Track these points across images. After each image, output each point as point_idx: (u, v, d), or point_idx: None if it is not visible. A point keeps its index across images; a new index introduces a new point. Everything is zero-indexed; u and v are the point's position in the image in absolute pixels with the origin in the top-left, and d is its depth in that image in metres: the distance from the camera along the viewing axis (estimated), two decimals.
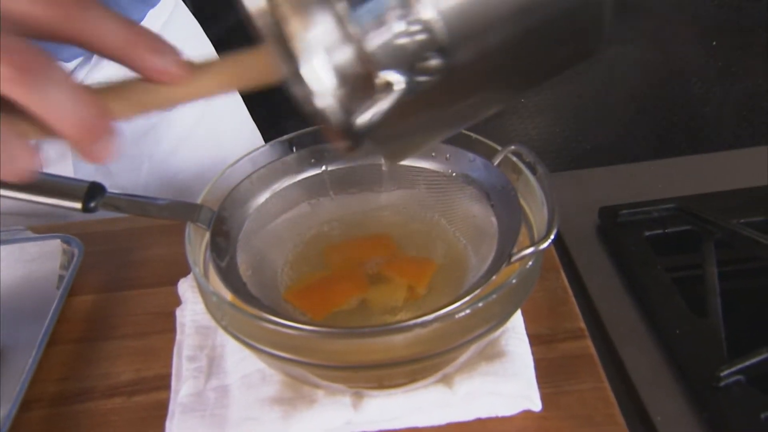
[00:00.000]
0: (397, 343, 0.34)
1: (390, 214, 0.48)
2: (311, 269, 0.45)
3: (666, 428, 0.42)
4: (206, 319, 0.46)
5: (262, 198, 0.44)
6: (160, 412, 0.42)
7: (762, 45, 1.79)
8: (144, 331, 0.49)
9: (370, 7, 0.22)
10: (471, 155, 0.43)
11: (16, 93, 0.24)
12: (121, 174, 0.66)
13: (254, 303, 0.36)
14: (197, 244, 0.40)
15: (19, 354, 0.46)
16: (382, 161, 0.46)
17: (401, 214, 0.47)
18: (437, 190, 0.45)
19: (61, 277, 0.51)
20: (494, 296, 0.34)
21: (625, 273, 0.54)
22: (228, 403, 0.41)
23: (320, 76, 0.23)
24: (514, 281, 0.35)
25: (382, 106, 0.23)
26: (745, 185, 0.60)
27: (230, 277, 0.38)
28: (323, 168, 0.46)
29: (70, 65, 0.58)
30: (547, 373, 0.42)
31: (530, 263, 0.36)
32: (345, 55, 0.23)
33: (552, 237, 0.35)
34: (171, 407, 0.42)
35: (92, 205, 0.34)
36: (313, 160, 0.46)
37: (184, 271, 0.49)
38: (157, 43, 0.27)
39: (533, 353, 0.42)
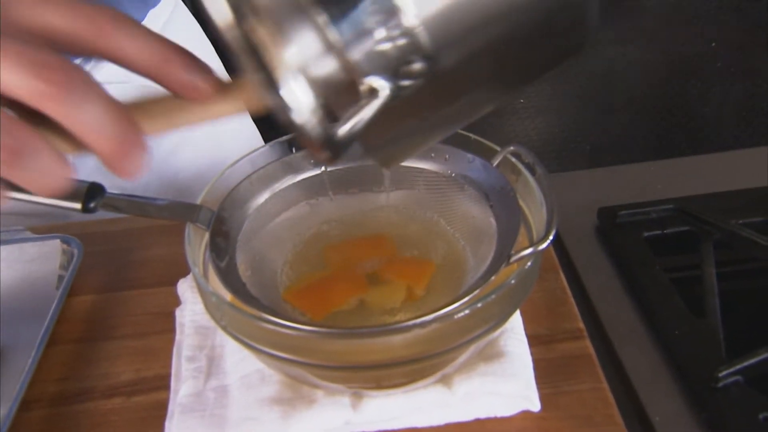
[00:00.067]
0: (397, 344, 0.34)
1: (389, 215, 0.48)
2: (310, 269, 0.45)
3: (665, 428, 0.42)
4: (206, 319, 0.46)
5: (262, 198, 0.44)
6: (159, 412, 0.42)
7: (762, 45, 1.79)
8: (143, 332, 0.49)
9: (351, 16, 0.21)
10: (470, 156, 0.43)
11: (52, 109, 0.24)
12: None
13: (253, 303, 0.36)
14: (197, 244, 0.40)
15: (18, 354, 0.46)
16: None
17: (400, 215, 0.47)
18: (436, 191, 0.45)
19: (60, 278, 0.51)
20: (493, 297, 0.34)
21: (624, 273, 0.54)
22: (227, 403, 0.41)
23: (300, 97, 0.22)
24: (513, 282, 0.35)
25: (366, 113, 0.23)
26: (744, 186, 0.60)
27: (230, 277, 0.38)
28: (322, 168, 0.46)
29: None
30: (546, 373, 0.42)
31: (529, 264, 0.36)
32: (327, 65, 0.23)
33: (551, 237, 0.35)
34: (170, 407, 0.42)
35: (92, 205, 0.34)
36: (312, 161, 0.46)
37: (184, 271, 0.49)
38: (190, 60, 0.27)
39: (532, 353, 0.42)
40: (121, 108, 0.26)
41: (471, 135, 0.44)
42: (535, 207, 0.40)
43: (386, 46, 0.22)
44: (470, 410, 0.40)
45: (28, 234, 0.54)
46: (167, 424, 0.41)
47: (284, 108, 0.22)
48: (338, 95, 0.23)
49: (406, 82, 0.23)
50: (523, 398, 0.40)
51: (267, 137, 0.74)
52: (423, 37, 0.22)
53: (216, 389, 0.42)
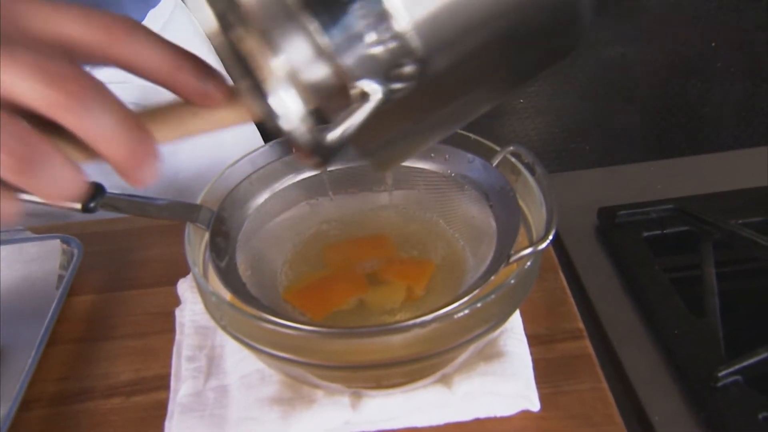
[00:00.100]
0: (396, 343, 0.34)
1: (389, 215, 0.48)
2: (310, 269, 0.45)
3: (664, 428, 0.43)
4: (205, 319, 0.46)
5: (262, 198, 0.44)
6: (159, 412, 0.42)
7: (762, 46, 1.79)
8: (143, 331, 0.49)
9: (341, 20, 0.21)
10: (470, 156, 0.43)
11: (67, 119, 0.24)
12: None
13: (253, 303, 0.36)
14: (197, 244, 0.40)
15: (18, 354, 0.46)
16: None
17: (400, 215, 0.47)
18: (436, 191, 0.46)
19: (60, 277, 0.52)
20: (493, 296, 0.34)
21: (624, 273, 0.54)
22: (227, 403, 0.41)
23: (288, 104, 0.22)
24: (512, 281, 0.35)
25: (357, 117, 0.23)
26: (744, 186, 0.60)
27: (229, 277, 0.38)
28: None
29: None
30: (545, 373, 0.42)
31: (529, 264, 0.36)
32: (317, 70, 0.22)
33: (550, 237, 0.35)
34: (170, 407, 0.42)
35: (92, 205, 0.34)
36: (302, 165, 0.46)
37: (184, 271, 0.49)
38: (202, 67, 0.27)
39: (532, 353, 0.43)
40: (134, 117, 0.26)
41: (471, 135, 0.44)
42: (534, 207, 0.40)
43: (377, 50, 0.22)
44: (470, 410, 0.40)
45: (28, 234, 0.54)
46: (167, 423, 0.41)
47: (272, 115, 0.22)
48: (330, 99, 0.23)
49: (397, 86, 0.23)
50: (522, 398, 0.40)
51: (267, 137, 0.74)
52: (414, 40, 0.22)
53: (216, 389, 0.42)
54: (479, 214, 0.43)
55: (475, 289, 0.35)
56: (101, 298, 0.52)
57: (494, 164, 0.42)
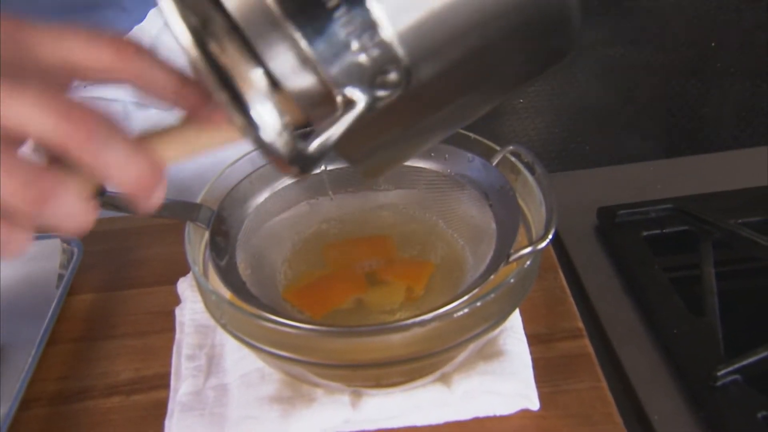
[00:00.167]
0: (396, 342, 0.34)
1: (388, 214, 0.48)
2: (310, 268, 0.45)
3: (663, 427, 0.43)
4: (205, 318, 0.46)
5: (262, 197, 0.44)
6: (159, 410, 0.42)
7: (761, 46, 1.79)
8: (143, 330, 0.49)
9: (326, 29, 0.21)
10: (470, 155, 0.44)
11: (77, 154, 0.24)
12: None
13: (253, 302, 0.36)
14: (197, 243, 0.40)
15: (18, 353, 0.46)
16: None
17: (400, 214, 0.48)
18: (436, 190, 0.46)
19: (60, 276, 0.52)
20: (492, 295, 0.34)
21: (623, 273, 0.54)
22: (227, 401, 0.41)
23: (266, 116, 0.22)
24: (512, 281, 0.35)
25: (341, 125, 0.23)
26: (744, 186, 0.60)
27: (229, 276, 0.38)
28: (322, 167, 0.46)
29: None
30: (545, 372, 0.42)
31: (528, 263, 0.36)
32: (302, 79, 0.22)
33: (550, 237, 0.35)
34: (170, 406, 0.42)
35: None
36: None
37: (183, 270, 0.49)
38: (203, 89, 0.27)
39: (531, 352, 0.43)
40: (142, 146, 0.26)
41: (471, 134, 0.44)
42: (534, 206, 0.40)
43: (361, 58, 0.22)
44: (469, 409, 0.40)
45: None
46: (167, 422, 0.41)
47: (251, 127, 0.22)
48: (314, 107, 0.23)
49: (383, 94, 0.22)
50: (522, 397, 0.40)
51: None
52: (398, 49, 0.21)
53: (216, 388, 0.42)
54: (479, 214, 0.43)
55: (474, 288, 0.35)
56: (101, 297, 0.52)
57: (494, 164, 0.43)
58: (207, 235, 0.40)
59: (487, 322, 0.36)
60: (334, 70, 0.22)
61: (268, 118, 0.22)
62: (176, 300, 0.48)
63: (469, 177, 0.44)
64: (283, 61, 0.22)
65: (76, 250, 0.53)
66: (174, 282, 0.49)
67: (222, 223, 0.41)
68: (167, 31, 0.59)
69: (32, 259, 0.52)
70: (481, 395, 0.40)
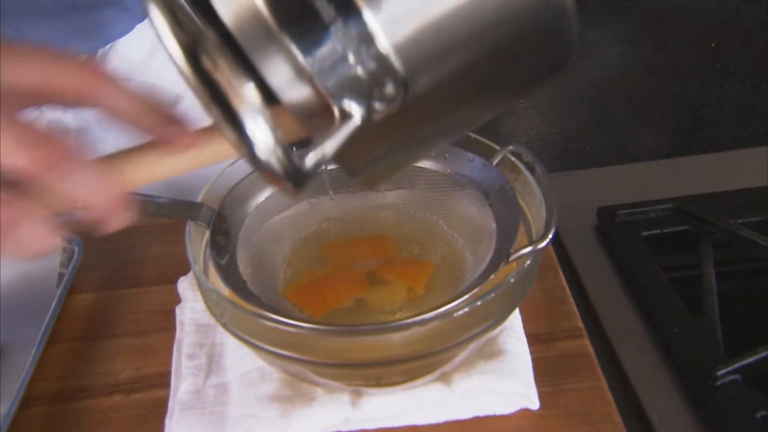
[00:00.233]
0: (396, 341, 0.34)
1: (389, 214, 0.48)
2: (310, 267, 0.45)
3: (663, 427, 0.43)
4: (206, 317, 0.46)
5: (262, 196, 0.44)
6: (159, 409, 0.42)
7: (761, 46, 1.79)
8: (143, 329, 0.49)
9: (322, 42, 0.21)
10: (470, 155, 0.44)
11: (45, 184, 0.25)
12: None
13: (254, 301, 0.36)
14: (197, 242, 0.40)
15: (18, 352, 0.46)
16: None
17: (400, 214, 0.48)
18: (436, 190, 0.46)
19: (60, 276, 0.52)
20: (492, 295, 0.34)
21: (623, 273, 0.54)
22: (227, 400, 0.41)
23: (262, 134, 0.22)
24: (512, 280, 0.35)
25: (337, 139, 0.22)
26: (743, 186, 0.60)
27: (230, 275, 0.38)
28: (323, 167, 0.46)
29: None
30: (545, 371, 0.42)
31: (528, 262, 0.36)
32: (299, 93, 0.22)
33: (550, 236, 0.35)
34: (170, 405, 0.42)
35: None
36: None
37: (184, 269, 0.49)
38: (168, 114, 0.28)
39: (531, 352, 0.43)
40: (106, 172, 0.26)
41: (471, 134, 0.44)
42: (534, 206, 0.40)
43: (358, 71, 0.21)
44: (469, 408, 0.40)
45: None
46: (167, 421, 0.41)
47: (245, 143, 0.22)
48: (311, 120, 0.23)
49: (380, 106, 0.22)
50: (522, 396, 0.40)
51: None
52: (395, 61, 0.21)
53: (216, 387, 0.42)
54: (479, 213, 0.43)
55: (474, 288, 0.35)
56: (101, 296, 0.52)
57: (494, 163, 0.43)
58: (207, 234, 0.40)
59: (487, 321, 0.36)
60: (331, 82, 0.22)
61: (262, 134, 0.22)
62: (176, 299, 0.48)
63: (470, 177, 0.44)
64: (280, 73, 0.22)
65: (76, 249, 0.53)
66: (174, 281, 0.49)
67: (222, 222, 0.41)
68: (156, 53, 0.59)
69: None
70: (481, 394, 0.40)
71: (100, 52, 0.59)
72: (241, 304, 0.35)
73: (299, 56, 0.21)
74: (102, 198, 0.26)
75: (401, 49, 0.21)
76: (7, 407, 0.41)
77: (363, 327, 0.35)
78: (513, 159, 0.42)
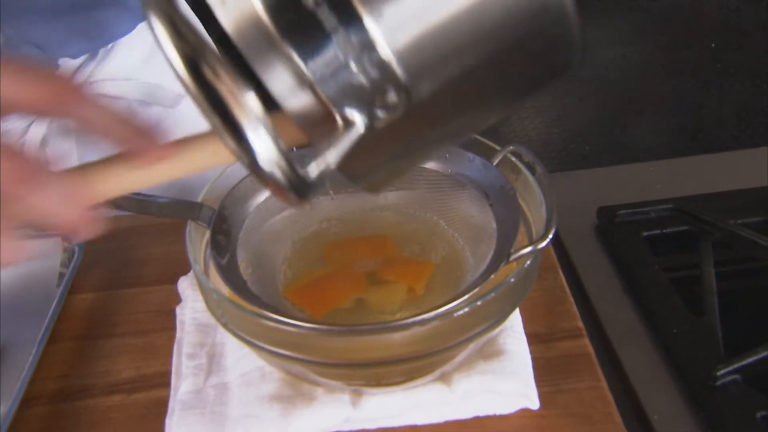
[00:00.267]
0: (396, 341, 0.34)
1: (389, 214, 0.48)
2: (311, 267, 0.45)
3: (663, 427, 0.43)
4: (206, 316, 0.46)
5: (263, 196, 0.44)
6: (159, 409, 0.42)
7: (761, 46, 1.79)
8: (144, 329, 0.49)
9: (324, 50, 0.21)
10: (470, 155, 0.44)
11: (11, 200, 0.25)
12: None
13: (254, 301, 0.36)
14: (198, 242, 0.40)
15: (19, 351, 0.46)
16: None
17: (400, 214, 0.48)
18: (436, 190, 0.46)
19: (61, 275, 0.52)
20: (492, 295, 0.34)
21: (623, 273, 0.54)
22: (227, 400, 0.41)
23: (264, 145, 0.22)
24: (512, 280, 0.35)
25: (340, 148, 0.22)
26: (743, 186, 0.60)
27: (230, 274, 0.38)
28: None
29: (77, 61, 0.58)
30: (545, 371, 0.42)
31: (528, 262, 0.36)
32: (301, 101, 0.22)
33: (550, 236, 0.35)
34: (171, 404, 0.42)
35: None
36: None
37: (184, 269, 0.50)
38: (140, 126, 0.28)
39: (531, 352, 0.43)
40: (74, 186, 0.26)
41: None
42: (534, 206, 0.40)
43: (360, 79, 0.21)
44: (469, 408, 0.40)
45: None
46: (167, 421, 0.41)
47: (248, 154, 0.22)
48: (313, 127, 0.23)
49: (382, 113, 0.22)
50: (522, 396, 0.40)
51: None
52: (397, 68, 0.21)
53: (216, 386, 0.42)
54: (479, 213, 0.43)
55: (475, 288, 0.35)
56: (102, 296, 0.52)
57: (494, 163, 0.43)
58: (208, 234, 0.40)
59: (487, 321, 0.36)
60: (332, 90, 0.22)
61: (264, 145, 0.22)
62: (177, 299, 0.49)
63: (470, 177, 0.44)
64: (281, 81, 0.22)
65: (76, 249, 0.53)
66: (174, 281, 0.50)
67: (223, 222, 0.41)
68: (157, 52, 0.60)
69: (33, 257, 0.52)
70: (481, 394, 0.40)
71: (102, 51, 0.59)
72: (242, 304, 0.35)
73: (301, 64, 0.21)
74: (70, 210, 0.26)
75: (402, 56, 0.21)
76: (8, 406, 0.41)
77: (363, 327, 0.35)
78: (513, 159, 0.43)
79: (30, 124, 0.58)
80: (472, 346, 0.37)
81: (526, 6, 0.21)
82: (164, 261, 0.54)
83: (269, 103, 0.23)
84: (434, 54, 0.22)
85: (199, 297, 0.46)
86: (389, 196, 0.48)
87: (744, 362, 0.44)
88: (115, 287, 0.53)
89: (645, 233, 0.57)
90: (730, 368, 0.43)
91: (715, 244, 0.54)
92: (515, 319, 0.45)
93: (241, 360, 0.43)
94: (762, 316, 0.51)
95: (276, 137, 0.22)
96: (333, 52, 0.21)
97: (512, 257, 0.36)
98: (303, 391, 0.41)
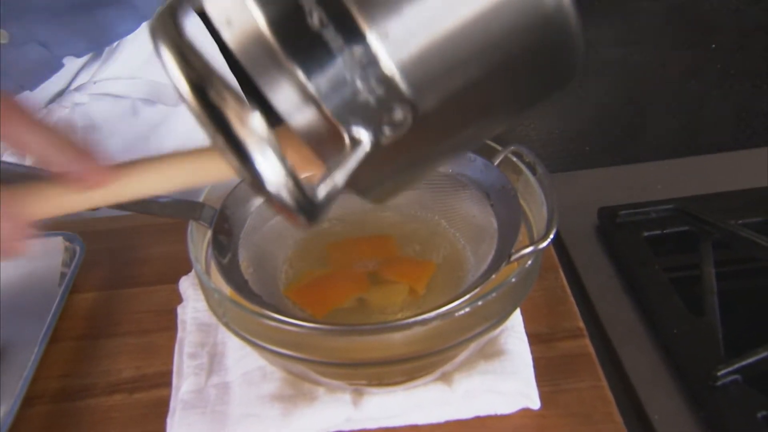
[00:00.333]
0: (398, 341, 0.34)
1: (390, 214, 0.48)
2: (312, 267, 0.45)
3: (663, 427, 0.43)
4: (207, 316, 0.46)
5: None
6: (161, 408, 0.42)
7: (761, 47, 1.79)
8: (145, 329, 0.49)
9: (330, 68, 0.21)
10: (471, 155, 0.44)
11: None
12: None
13: (255, 300, 0.36)
14: (199, 241, 0.40)
15: (21, 351, 0.46)
16: None
17: (401, 214, 0.48)
18: (437, 190, 0.46)
19: (63, 275, 0.52)
20: (494, 295, 0.34)
21: (624, 273, 0.54)
22: (229, 399, 0.41)
23: (271, 166, 0.21)
24: (513, 280, 0.35)
25: (347, 167, 0.22)
26: (744, 186, 0.60)
27: (232, 274, 0.38)
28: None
29: (81, 60, 0.58)
30: (545, 371, 0.43)
31: (529, 262, 0.36)
32: (308, 120, 0.22)
33: (551, 237, 0.35)
34: (172, 404, 0.42)
35: None
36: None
37: (186, 268, 0.50)
38: (78, 152, 0.28)
39: (532, 352, 0.43)
40: (6, 206, 0.27)
41: None
42: (535, 206, 0.40)
43: (366, 97, 0.21)
44: (470, 408, 0.41)
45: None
46: (169, 420, 0.41)
47: (254, 176, 0.21)
48: (321, 145, 0.23)
49: (389, 130, 0.22)
50: (523, 396, 0.41)
51: None
52: (401, 84, 0.21)
53: (217, 386, 0.42)
54: (480, 213, 0.43)
55: (476, 288, 0.35)
56: (103, 295, 0.52)
57: (495, 163, 0.43)
58: (209, 233, 0.40)
59: (488, 321, 0.36)
60: (340, 109, 0.22)
61: (272, 167, 0.21)
62: (178, 298, 0.49)
63: (471, 177, 0.44)
64: (288, 101, 0.22)
65: (78, 248, 0.53)
66: (176, 281, 0.50)
67: (224, 222, 0.41)
68: None
69: (35, 257, 0.52)
70: (482, 394, 0.40)
71: (107, 50, 0.59)
72: (243, 304, 0.35)
73: (308, 84, 0.21)
74: (2, 229, 0.26)
75: (409, 75, 0.21)
76: (9, 405, 0.41)
77: (364, 326, 0.35)
78: (514, 159, 0.43)
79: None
80: (473, 346, 0.37)
81: (529, 18, 0.21)
82: (166, 260, 0.54)
83: (275, 117, 0.23)
84: (441, 71, 0.22)
85: (201, 296, 0.46)
86: None
87: (744, 362, 0.44)
88: (117, 287, 0.53)
89: (645, 233, 0.57)
90: (730, 368, 0.43)
91: (716, 245, 0.54)
92: (516, 319, 0.45)
93: (242, 359, 0.43)
94: (762, 316, 0.51)
95: (283, 158, 0.21)
96: (339, 71, 0.21)
97: (513, 257, 0.36)
98: (304, 391, 0.41)
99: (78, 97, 0.59)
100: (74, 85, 0.59)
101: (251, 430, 0.39)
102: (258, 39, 0.21)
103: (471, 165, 0.44)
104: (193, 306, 0.47)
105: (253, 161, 0.21)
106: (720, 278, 0.51)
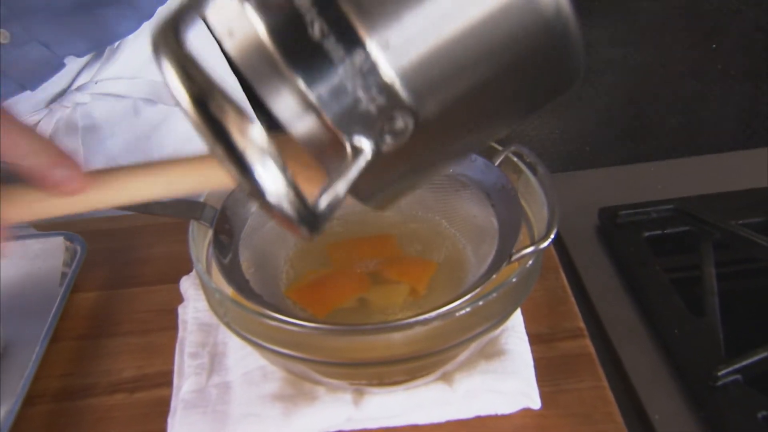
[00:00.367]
0: (398, 341, 0.34)
1: (391, 214, 0.48)
2: (313, 267, 0.45)
3: (664, 427, 0.43)
4: (208, 316, 0.46)
5: None
6: (162, 408, 0.42)
7: (761, 48, 1.79)
8: (146, 328, 0.49)
9: (330, 77, 0.21)
10: (472, 155, 0.44)
11: None
12: None
13: (256, 300, 0.36)
14: (200, 241, 0.40)
15: (22, 350, 0.47)
16: None
17: (402, 214, 0.48)
18: (438, 190, 0.46)
19: (64, 274, 0.52)
20: (494, 295, 0.34)
21: (624, 273, 0.54)
22: (229, 399, 0.41)
23: (272, 178, 0.21)
24: (514, 280, 0.35)
25: (349, 177, 0.22)
26: (744, 187, 0.60)
27: (233, 274, 0.38)
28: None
29: (83, 60, 0.58)
30: (546, 371, 0.43)
31: (530, 262, 0.36)
32: (308, 129, 0.22)
33: (552, 237, 0.35)
34: (173, 403, 0.42)
35: None
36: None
37: (187, 268, 0.50)
38: (57, 157, 0.28)
39: (533, 352, 0.43)
40: None
41: None
42: (536, 206, 0.40)
43: (367, 106, 0.22)
44: (471, 407, 0.41)
45: (32, 231, 0.55)
46: (170, 420, 0.41)
47: (255, 187, 0.21)
48: (322, 154, 0.23)
49: (390, 139, 0.22)
50: (523, 396, 0.41)
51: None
52: (401, 92, 0.21)
53: (218, 386, 0.42)
54: (481, 213, 0.43)
55: (476, 288, 0.35)
56: (104, 295, 0.52)
57: (496, 163, 0.43)
58: (210, 233, 0.40)
59: (488, 321, 0.36)
60: (341, 118, 0.22)
61: (272, 179, 0.21)
62: (179, 298, 0.49)
63: (472, 177, 0.44)
64: (289, 111, 0.22)
65: (79, 248, 0.53)
66: (177, 280, 0.50)
67: (225, 222, 0.41)
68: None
69: (36, 257, 0.52)
70: (483, 394, 0.40)
71: (108, 50, 0.59)
72: (244, 303, 0.35)
73: (309, 94, 0.21)
74: None
75: (410, 84, 0.21)
76: (11, 405, 0.41)
77: (365, 326, 0.35)
78: (515, 159, 0.43)
79: (38, 123, 0.58)
80: (473, 346, 0.37)
81: (528, 24, 0.22)
82: (167, 260, 0.55)
83: (274, 124, 0.23)
84: (441, 79, 0.22)
85: (202, 296, 0.46)
86: None
87: (745, 362, 0.44)
88: (118, 286, 0.53)
89: (646, 234, 0.57)
90: (730, 368, 0.43)
91: (716, 245, 0.54)
92: (517, 319, 0.45)
93: (243, 359, 0.43)
94: (763, 316, 0.51)
95: (284, 168, 0.21)
96: (340, 80, 0.21)
97: (514, 257, 0.36)
98: (305, 391, 0.41)
99: (79, 97, 0.59)
100: (75, 84, 0.59)
101: (252, 429, 0.39)
102: (259, 49, 0.21)
103: (472, 165, 0.44)
104: (194, 306, 0.47)
105: (253, 172, 0.21)
106: (720, 278, 0.51)
